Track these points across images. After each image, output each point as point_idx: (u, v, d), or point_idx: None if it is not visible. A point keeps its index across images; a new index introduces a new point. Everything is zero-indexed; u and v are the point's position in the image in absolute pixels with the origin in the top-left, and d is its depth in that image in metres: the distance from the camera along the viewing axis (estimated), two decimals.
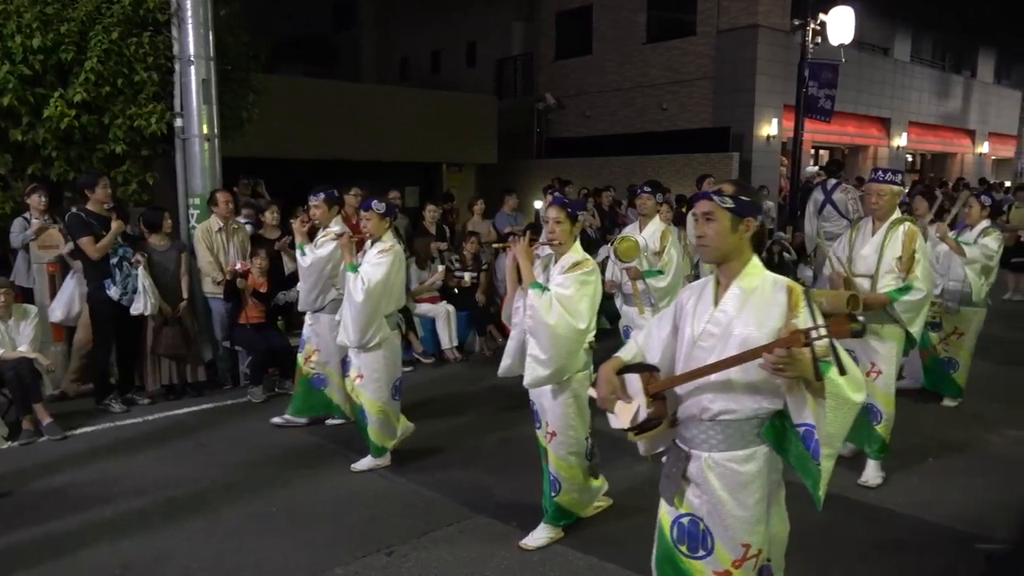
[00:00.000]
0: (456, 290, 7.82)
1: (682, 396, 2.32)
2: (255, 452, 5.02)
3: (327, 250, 5.09)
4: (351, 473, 4.62)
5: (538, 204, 12.04)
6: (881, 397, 4.35)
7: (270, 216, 7.03)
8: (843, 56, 14.12)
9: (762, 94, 15.78)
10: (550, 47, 19.99)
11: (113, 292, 5.69)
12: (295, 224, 5.27)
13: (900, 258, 4.22)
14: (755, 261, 2.29)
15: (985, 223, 6.03)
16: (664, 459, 2.45)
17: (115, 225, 5.66)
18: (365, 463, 4.68)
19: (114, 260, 5.71)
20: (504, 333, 7.18)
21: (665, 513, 2.46)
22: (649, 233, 5.77)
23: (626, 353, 2.50)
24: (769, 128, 16.07)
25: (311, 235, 5.29)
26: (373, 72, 24.86)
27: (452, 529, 3.86)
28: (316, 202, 5.13)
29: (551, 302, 3.37)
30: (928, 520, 3.98)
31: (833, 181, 8.99)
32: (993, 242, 5.88)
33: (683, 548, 2.40)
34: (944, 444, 5.07)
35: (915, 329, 4.28)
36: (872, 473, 4.42)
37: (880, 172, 4.42)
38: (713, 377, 2.21)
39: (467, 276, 7.83)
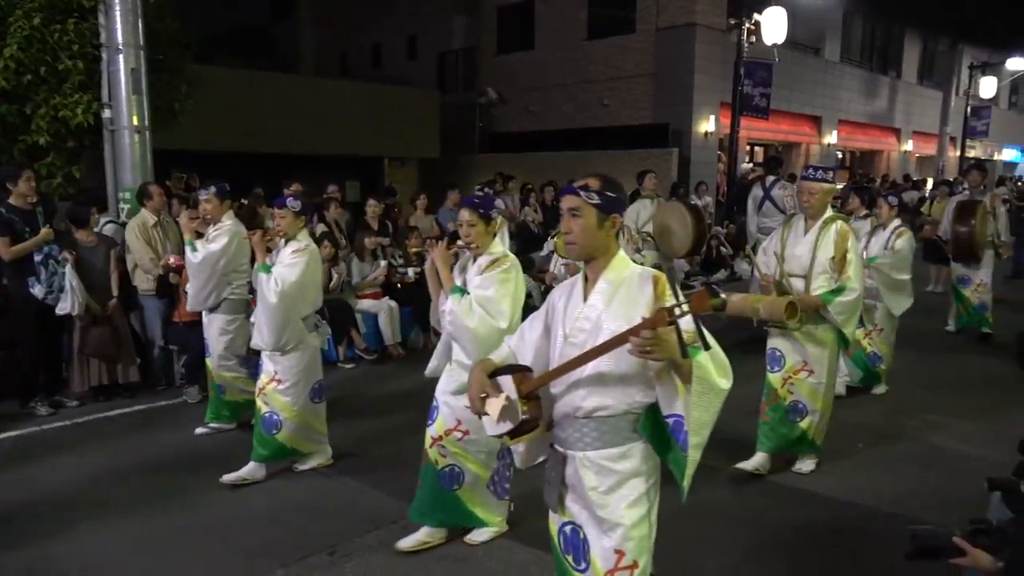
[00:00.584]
0: (399, 286, 7.75)
1: (556, 395, 2.25)
2: (190, 455, 4.88)
3: (219, 244, 4.90)
4: (291, 474, 4.54)
5: None
6: (808, 394, 4.34)
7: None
8: (776, 55, 14.53)
9: (700, 92, 16.10)
10: (492, 41, 19.98)
11: (38, 291, 5.45)
12: (183, 220, 5.04)
13: (833, 258, 4.18)
14: (621, 255, 2.25)
15: (896, 222, 6.19)
16: (547, 465, 2.37)
17: (43, 232, 5.44)
18: (241, 473, 4.38)
19: (39, 257, 5.47)
20: None
21: (552, 521, 2.39)
22: None
23: (498, 355, 2.41)
24: (707, 125, 16.41)
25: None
26: (312, 65, 24.43)
27: (395, 527, 3.83)
28: (207, 196, 4.91)
29: (471, 305, 3.28)
30: (859, 504, 4.13)
31: (772, 178, 9.23)
32: (905, 243, 6.05)
33: (569, 559, 2.32)
34: (873, 430, 5.27)
35: (848, 330, 4.27)
36: (804, 460, 4.50)
37: (811, 170, 4.36)
38: (586, 372, 2.16)
39: (411, 272, 7.76)
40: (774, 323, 4.26)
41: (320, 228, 7.90)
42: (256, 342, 4.40)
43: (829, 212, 4.33)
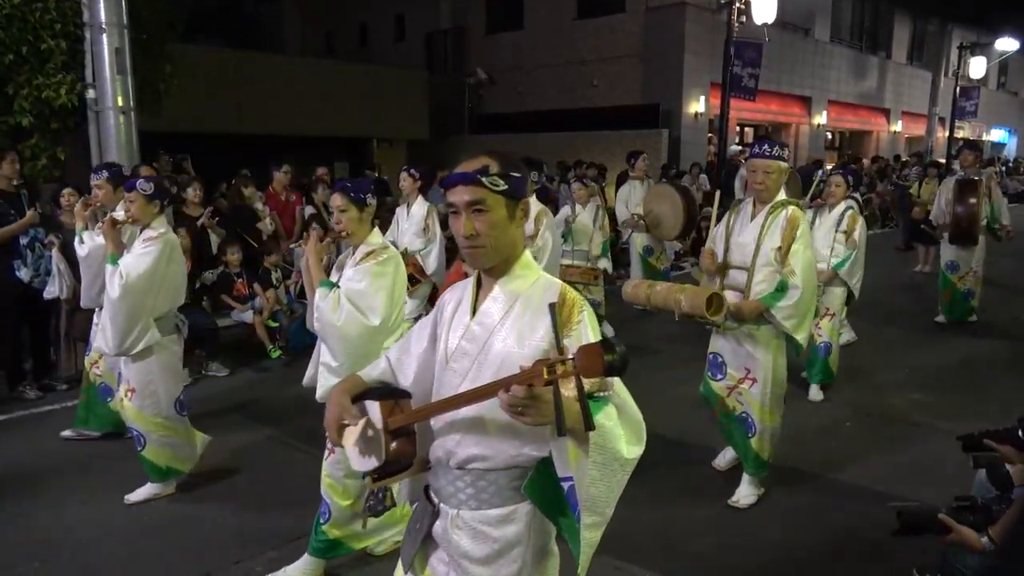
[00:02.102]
0: None
1: (433, 434, 1.81)
2: None
3: None
4: (282, 457, 4.54)
5: None
6: (756, 408, 3.82)
7: (192, 193, 6.79)
8: (766, 35, 14.48)
9: (690, 72, 16.05)
10: (480, 21, 19.81)
11: (24, 274, 5.40)
12: (76, 207, 4.56)
13: (779, 248, 3.64)
14: (526, 258, 1.78)
15: (846, 202, 5.73)
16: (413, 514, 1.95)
17: (28, 216, 5.37)
18: (143, 492, 3.96)
19: (24, 241, 5.42)
20: None
21: None
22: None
23: (374, 371, 1.93)
24: (697, 106, 16.37)
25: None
26: (297, 46, 24.15)
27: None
28: (98, 181, 4.40)
29: (339, 300, 2.93)
30: (846, 481, 4.19)
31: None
32: (863, 233, 5.61)
33: None
34: (860, 410, 5.32)
35: (801, 335, 3.69)
36: (745, 490, 3.93)
37: (766, 145, 3.74)
38: (461, 413, 1.70)
39: None
40: (698, 318, 3.61)
41: (309, 210, 7.87)
42: (99, 345, 3.93)
43: (780, 195, 3.75)
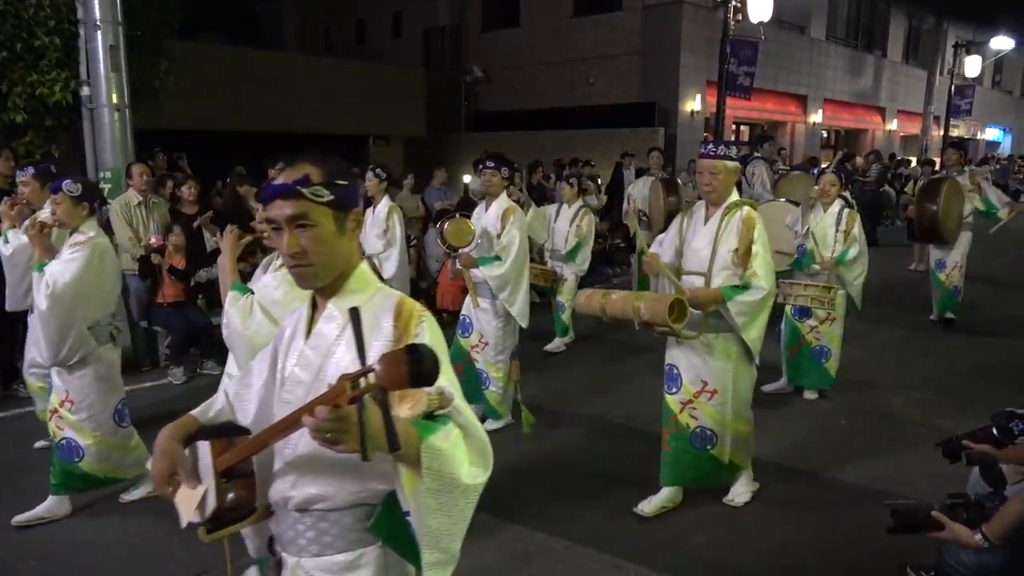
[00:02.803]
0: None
1: (272, 475, 1.63)
2: None
3: None
4: None
5: (467, 178, 12.01)
6: (714, 418, 3.67)
7: (187, 191, 6.78)
8: (763, 34, 14.49)
9: (686, 70, 16.06)
10: (477, 18, 19.79)
11: None
12: (3, 207, 4.31)
13: (736, 251, 3.53)
14: (362, 271, 1.63)
15: (839, 201, 5.52)
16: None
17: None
18: (37, 511, 3.76)
19: None
20: (435, 309, 7.16)
21: None
22: (493, 214, 4.94)
23: (209, 409, 1.72)
24: (693, 104, 16.38)
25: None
26: (294, 43, 24.12)
27: None
28: (24, 178, 4.21)
29: (251, 307, 2.67)
30: (842, 479, 4.20)
31: (757, 155, 9.24)
32: (860, 232, 5.42)
33: None
34: (857, 408, 5.33)
35: (751, 335, 3.56)
36: (739, 488, 3.90)
37: (712, 145, 3.65)
38: (299, 449, 1.54)
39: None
40: (658, 328, 3.48)
41: None
42: (33, 355, 3.81)
43: (734, 196, 3.67)
